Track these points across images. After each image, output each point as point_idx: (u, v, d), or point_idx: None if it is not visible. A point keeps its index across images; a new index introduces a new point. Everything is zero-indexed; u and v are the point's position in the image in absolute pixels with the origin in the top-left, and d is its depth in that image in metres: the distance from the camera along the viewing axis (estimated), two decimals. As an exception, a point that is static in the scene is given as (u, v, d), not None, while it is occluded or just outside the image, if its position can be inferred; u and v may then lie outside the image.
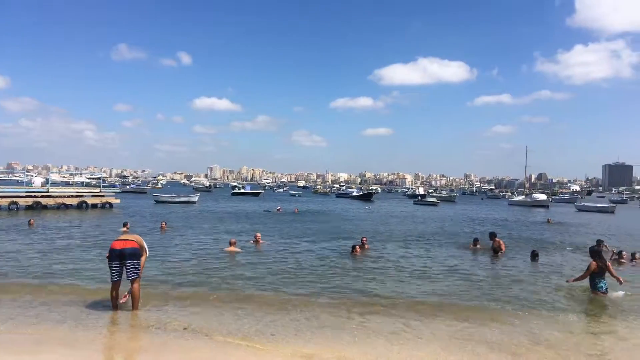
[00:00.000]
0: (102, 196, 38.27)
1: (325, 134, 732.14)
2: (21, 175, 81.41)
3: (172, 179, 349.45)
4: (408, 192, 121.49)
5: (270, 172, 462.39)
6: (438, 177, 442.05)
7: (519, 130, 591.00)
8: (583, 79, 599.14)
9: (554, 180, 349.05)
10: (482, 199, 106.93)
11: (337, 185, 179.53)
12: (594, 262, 10.37)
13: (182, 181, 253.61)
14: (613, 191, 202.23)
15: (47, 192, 34.95)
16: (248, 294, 9.67)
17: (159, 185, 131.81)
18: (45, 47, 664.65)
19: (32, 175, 66.78)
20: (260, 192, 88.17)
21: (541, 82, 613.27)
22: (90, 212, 33.24)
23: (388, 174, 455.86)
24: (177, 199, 51.27)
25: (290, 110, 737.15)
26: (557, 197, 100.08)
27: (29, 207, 31.49)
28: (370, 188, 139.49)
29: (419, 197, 79.81)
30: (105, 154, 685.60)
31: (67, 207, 33.93)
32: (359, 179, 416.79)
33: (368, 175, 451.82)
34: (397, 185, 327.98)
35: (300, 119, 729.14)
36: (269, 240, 18.79)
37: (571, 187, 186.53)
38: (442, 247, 18.45)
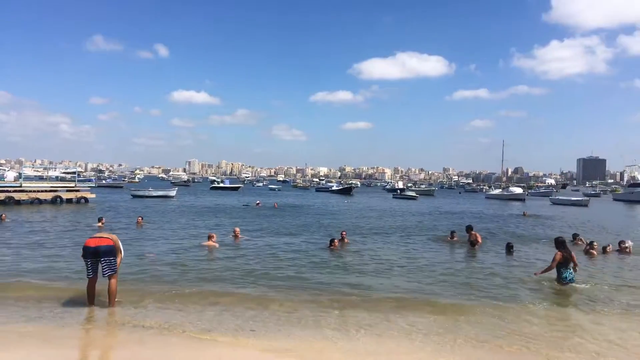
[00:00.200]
0: (77, 191, 37.62)
1: (305, 128, 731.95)
2: (-7, 169, 79.45)
3: (149, 173, 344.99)
4: (387, 186, 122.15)
5: (249, 167, 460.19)
6: (417, 171, 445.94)
7: (496, 125, 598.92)
8: (559, 75, 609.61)
9: (530, 174, 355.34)
10: (460, 193, 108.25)
11: (317, 180, 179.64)
12: (559, 253, 10.58)
13: (159, 175, 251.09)
14: (587, 185, 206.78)
15: (20, 186, 34.18)
16: (227, 290, 9.60)
17: (136, 180, 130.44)
18: (18, 39, 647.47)
19: (4, 170, 65.27)
20: (239, 187, 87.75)
21: (518, 77, 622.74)
22: (65, 207, 32.64)
23: (368, 168, 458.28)
24: (155, 193, 50.70)
25: (270, 104, 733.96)
26: (533, 191, 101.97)
27: (1, 203, 30.75)
28: (350, 182, 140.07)
29: (398, 191, 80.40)
30: (81, 148, 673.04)
31: (41, 202, 33.27)
32: (339, 173, 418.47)
33: (348, 169, 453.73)
34: (376, 179, 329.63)
35: (280, 113, 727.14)
36: (247, 234, 18.71)
37: (546, 181, 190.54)
38: (420, 241, 18.62)
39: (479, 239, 17.45)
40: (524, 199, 67.48)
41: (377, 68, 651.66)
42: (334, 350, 6.29)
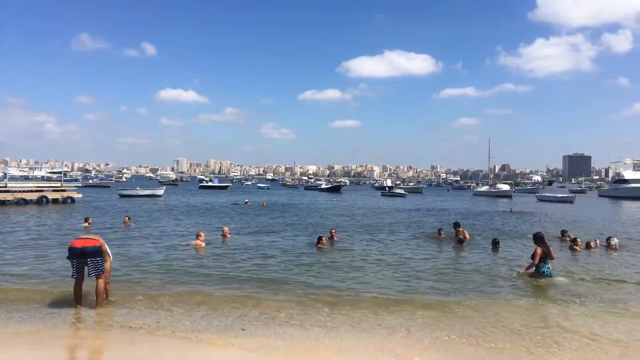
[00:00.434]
0: (64, 190, 37.22)
1: (294, 126, 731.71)
2: (-23, 169, 78.30)
3: (137, 172, 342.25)
4: (376, 184, 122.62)
5: (238, 165, 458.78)
6: (405, 169, 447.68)
7: (483, 123, 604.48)
8: (544, 72, 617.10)
9: (517, 171, 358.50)
10: (447, 190, 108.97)
11: (306, 178, 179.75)
12: (539, 248, 10.79)
13: (147, 175, 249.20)
14: (573, 181, 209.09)
15: (5, 187, 33.71)
16: (215, 289, 9.59)
17: (124, 179, 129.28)
18: (4, 38, 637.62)
19: (-12, 170, 64.27)
20: (228, 185, 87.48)
21: (504, 75, 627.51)
22: (51, 207, 32.29)
23: (356, 166, 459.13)
24: (142, 193, 50.32)
25: (259, 103, 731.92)
26: (519, 188, 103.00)
27: (-15, 203, 30.34)
28: (339, 180, 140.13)
29: (387, 189, 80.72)
30: (67, 147, 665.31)
31: (26, 202, 32.85)
32: (328, 172, 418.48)
33: (336, 167, 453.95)
34: (365, 177, 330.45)
35: (269, 111, 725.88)
36: (236, 233, 18.68)
37: (533, 178, 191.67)
38: (408, 238, 18.74)
39: (467, 236, 17.65)
40: (511, 196, 68.19)
41: (366, 66, 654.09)
42: (322, 348, 6.33)
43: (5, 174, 41.15)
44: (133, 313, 7.67)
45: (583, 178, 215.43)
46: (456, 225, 18.47)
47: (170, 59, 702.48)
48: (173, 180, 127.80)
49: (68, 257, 7.88)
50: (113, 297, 8.35)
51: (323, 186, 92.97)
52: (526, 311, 8.35)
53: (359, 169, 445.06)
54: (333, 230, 17.81)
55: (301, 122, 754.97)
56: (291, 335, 6.85)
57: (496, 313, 8.07)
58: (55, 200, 35.05)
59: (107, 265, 8.06)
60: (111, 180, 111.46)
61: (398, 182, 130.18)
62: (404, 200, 56.57)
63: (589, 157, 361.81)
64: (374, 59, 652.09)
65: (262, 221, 25.14)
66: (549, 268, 10.75)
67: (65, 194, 36.49)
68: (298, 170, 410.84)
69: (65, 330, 7.00)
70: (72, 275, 7.86)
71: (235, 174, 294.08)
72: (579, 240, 16.04)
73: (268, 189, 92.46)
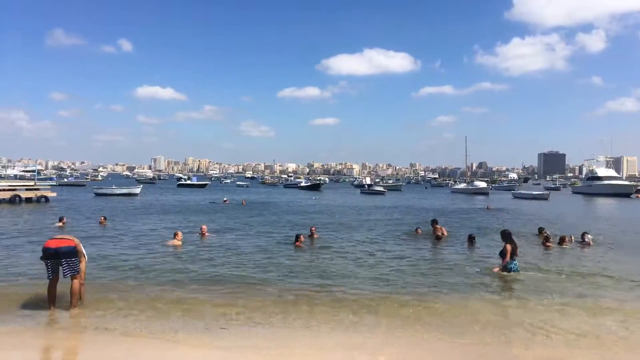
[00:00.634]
0: (37, 189, 36.49)
1: (273, 124, 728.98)
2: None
3: (113, 170, 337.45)
4: (355, 182, 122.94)
5: (217, 163, 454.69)
6: (385, 167, 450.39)
7: (461, 121, 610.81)
8: (520, 71, 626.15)
9: (494, 169, 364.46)
10: (426, 188, 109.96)
11: (285, 176, 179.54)
12: (508, 245, 11.05)
13: (124, 173, 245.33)
14: (547, 179, 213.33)
15: (-24, 186, 32.88)
16: (193, 289, 9.51)
17: (99, 178, 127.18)
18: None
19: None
20: (206, 184, 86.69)
21: (481, 74, 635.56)
22: (24, 206, 31.57)
23: (336, 164, 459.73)
24: (118, 191, 49.49)
25: (238, 100, 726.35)
26: (496, 185, 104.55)
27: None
28: (318, 178, 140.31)
29: (366, 187, 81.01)
30: (41, 145, 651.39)
31: (-2, 201, 32.06)
32: (307, 169, 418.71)
33: (316, 165, 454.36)
34: (345, 175, 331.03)
35: (248, 109, 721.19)
36: (215, 232, 18.54)
37: (509, 175, 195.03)
38: (386, 235, 18.84)
39: (444, 232, 17.86)
40: (488, 193, 69.16)
41: (345, 64, 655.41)
42: (301, 346, 6.34)
43: (-25, 172, 40.10)
44: (108, 314, 7.56)
45: (557, 175, 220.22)
46: (434, 222, 18.68)
47: (147, 55, 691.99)
48: (150, 179, 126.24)
49: (42, 258, 7.72)
50: (87, 298, 8.19)
51: (302, 184, 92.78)
52: (499, 307, 8.51)
53: (339, 167, 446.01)
54: (313, 228, 17.82)
55: (280, 120, 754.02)
56: (270, 334, 6.84)
57: (470, 309, 8.20)
58: (28, 200, 34.29)
59: (82, 265, 7.93)
60: (87, 178, 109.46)
61: (377, 180, 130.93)
62: (383, 197, 56.90)
63: (564, 155, 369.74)
64: (353, 57, 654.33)
65: (241, 220, 25.00)
66: (515, 264, 11.04)
67: (39, 193, 35.73)
68: (277, 168, 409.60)
69: (40, 331, 6.88)
70: (48, 276, 7.71)
71: (214, 172, 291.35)
72: (550, 236, 16.42)
73: (247, 187, 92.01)
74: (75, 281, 7.71)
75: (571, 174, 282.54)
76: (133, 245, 15.11)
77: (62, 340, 6.68)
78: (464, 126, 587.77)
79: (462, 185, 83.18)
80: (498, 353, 6.33)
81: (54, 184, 47.90)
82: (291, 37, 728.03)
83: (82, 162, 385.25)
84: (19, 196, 33.69)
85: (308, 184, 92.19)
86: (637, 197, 66.04)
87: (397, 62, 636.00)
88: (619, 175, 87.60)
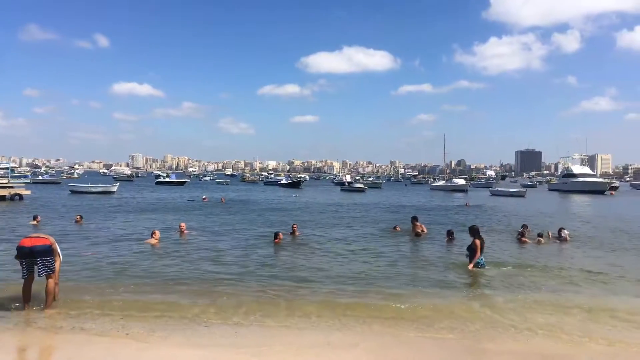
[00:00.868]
0: (11, 187, 35.63)
1: (253, 121, 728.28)
2: None
3: (89, 168, 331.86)
4: (336, 180, 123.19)
5: (196, 161, 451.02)
6: (365, 164, 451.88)
7: (440, 119, 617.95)
8: (497, 70, 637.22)
9: (472, 166, 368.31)
10: (406, 185, 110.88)
11: (266, 173, 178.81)
12: (477, 240, 11.29)
13: (101, 170, 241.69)
14: (524, 176, 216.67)
15: (-54, 184, 31.96)
16: (171, 288, 9.41)
17: (75, 175, 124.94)
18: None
19: None
20: (186, 181, 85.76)
21: (460, 73, 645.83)
22: (-3, 205, 30.80)
23: (316, 162, 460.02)
24: (94, 189, 48.56)
25: (217, 97, 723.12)
26: (474, 182, 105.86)
27: None
28: (299, 176, 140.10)
29: (347, 184, 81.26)
30: (14, 142, 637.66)
31: (-31, 200, 31.23)
32: (288, 167, 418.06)
33: (296, 162, 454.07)
34: (325, 172, 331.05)
35: (227, 106, 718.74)
36: (194, 230, 18.35)
37: (487, 173, 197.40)
38: (365, 233, 18.94)
39: (424, 230, 18.02)
40: (467, 190, 70.01)
41: (325, 62, 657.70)
42: (280, 344, 6.33)
43: (-54, 170, 39.01)
44: (84, 314, 7.43)
45: (534, 173, 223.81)
46: (414, 219, 18.81)
47: (124, 51, 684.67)
48: (128, 176, 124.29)
49: (17, 257, 7.57)
50: (62, 298, 8.03)
51: (283, 182, 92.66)
52: (473, 302, 8.64)
53: (319, 164, 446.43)
54: (295, 225, 17.79)
55: (260, 117, 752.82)
56: (249, 333, 6.82)
57: (446, 305, 8.29)
58: (2, 198, 33.47)
59: (57, 265, 7.77)
60: (62, 176, 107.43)
61: (357, 178, 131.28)
62: (363, 195, 57.13)
63: (540, 153, 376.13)
64: (333, 55, 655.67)
65: (220, 218, 24.82)
66: (482, 259, 11.28)
67: (12, 191, 34.90)
68: (258, 165, 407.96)
69: (16, 331, 6.74)
70: (23, 276, 7.54)
71: (194, 169, 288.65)
72: (525, 232, 16.73)
73: (227, 184, 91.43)
74: (51, 280, 7.57)
75: (547, 172, 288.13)
76: (109, 245, 14.86)
77: (38, 341, 6.56)
78: (443, 124, 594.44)
79: (441, 183, 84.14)
80: (471, 347, 6.42)
81: (28, 181, 46.81)
82: (271, 35, 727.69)
83: (58, 160, 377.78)
84: (-9, 194, 32.88)
85: (288, 181, 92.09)
86: (611, 193, 67.70)
87: (377, 60, 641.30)
88: (593, 173, 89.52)
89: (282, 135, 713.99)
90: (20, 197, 34.74)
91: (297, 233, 17.17)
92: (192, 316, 7.43)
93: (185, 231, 17.37)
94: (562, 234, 16.63)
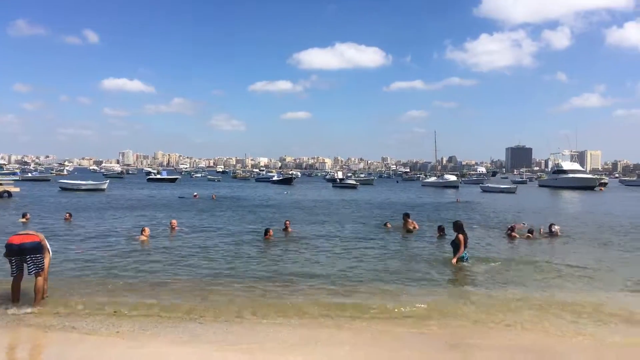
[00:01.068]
0: (0, 184, 35.19)
1: (245, 117, 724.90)
2: None
3: (79, 164, 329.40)
4: (327, 176, 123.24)
5: (187, 157, 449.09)
6: (357, 161, 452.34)
7: (431, 115, 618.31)
8: (488, 67, 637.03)
9: (463, 163, 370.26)
10: (397, 182, 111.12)
11: (257, 170, 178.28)
12: (460, 236, 11.42)
13: (90, 167, 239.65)
14: (515, 172, 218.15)
15: None
16: (161, 285, 9.39)
17: (65, 172, 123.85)
18: None
19: None
20: (177, 178, 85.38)
21: (451, 69, 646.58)
22: (-15, 202, 30.48)
23: (308, 158, 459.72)
24: (84, 186, 48.16)
25: (208, 94, 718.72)
26: (465, 179, 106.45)
27: None
28: (290, 172, 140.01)
29: (338, 181, 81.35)
30: (3, 139, 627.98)
31: (-43, 197, 30.87)
32: (279, 163, 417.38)
33: (288, 159, 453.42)
34: (317, 169, 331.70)
35: (219, 102, 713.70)
36: (184, 227, 18.27)
37: (478, 169, 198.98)
38: (357, 230, 18.98)
39: (416, 226, 18.08)
40: (458, 186, 70.40)
41: (316, 58, 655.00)
42: (271, 341, 6.35)
43: None
44: (74, 312, 7.40)
45: (524, 169, 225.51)
46: (406, 215, 18.86)
47: (114, 47, 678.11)
48: (119, 173, 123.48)
49: (5, 255, 7.52)
50: (52, 296, 7.98)
51: (275, 178, 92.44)
52: (458, 297, 8.79)
53: (311, 161, 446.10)
54: (287, 222, 17.77)
55: (252, 114, 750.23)
56: (240, 330, 6.84)
57: (432, 300, 8.36)
58: (-10, 195, 33.10)
59: (46, 261, 7.73)
60: (52, 173, 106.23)
61: (349, 174, 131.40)
62: (355, 191, 57.24)
63: (530, 149, 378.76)
64: (324, 51, 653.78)
65: (211, 215, 24.73)
66: (466, 254, 11.42)
67: (1, 188, 34.51)
68: (249, 162, 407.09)
69: (4, 329, 6.70)
70: (12, 274, 7.49)
71: (185, 166, 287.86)
72: (515, 228, 16.89)
73: (219, 181, 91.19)
74: (40, 278, 7.54)
75: (537, 168, 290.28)
76: (99, 242, 14.76)
77: (28, 339, 6.54)
78: (435, 120, 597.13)
79: (433, 179, 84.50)
80: (458, 342, 6.49)
81: (17, 178, 46.31)
82: (262, 31, 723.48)
83: (47, 157, 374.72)
84: (-21, 192, 32.51)
85: (280, 178, 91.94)
86: (601, 189, 68.33)
87: (369, 56, 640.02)
88: (583, 169, 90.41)
89: (273, 132, 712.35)
90: (9, 194, 34.36)
91: (289, 229, 17.16)
92: (182, 314, 7.42)
93: (176, 228, 17.30)
94: (553, 230, 16.78)
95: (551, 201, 45.19)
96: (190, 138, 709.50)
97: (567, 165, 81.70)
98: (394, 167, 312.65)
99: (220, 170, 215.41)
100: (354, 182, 73.29)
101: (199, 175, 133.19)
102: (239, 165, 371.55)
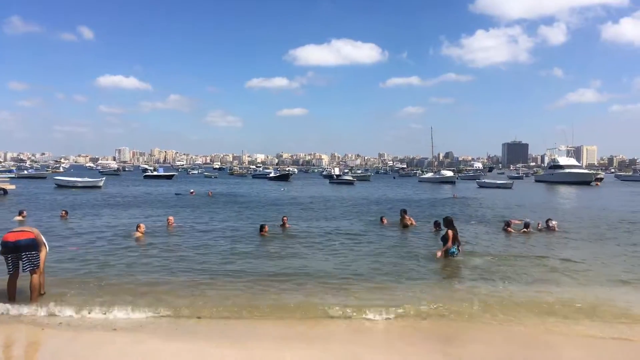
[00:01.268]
0: (-5, 182, 35.08)
1: (241, 114, 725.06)
2: None
3: (76, 162, 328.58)
4: (324, 173, 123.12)
5: (184, 154, 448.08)
6: (353, 157, 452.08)
7: (428, 111, 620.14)
8: (484, 63, 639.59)
9: (460, 159, 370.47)
10: (394, 178, 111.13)
11: (254, 167, 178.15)
12: (450, 231, 11.57)
13: (87, 164, 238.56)
14: (511, 168, 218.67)
15: None
16: (156, 281, 9.38)
17: (61, 169, 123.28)
18: None
19: None
20: (173, 175, 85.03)
21: (447, 65, 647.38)
22: (-20, 200, 30.34)
23: (305, 155, 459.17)
24: (81, 183, 47.96)
25: (204, 90, 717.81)
26: (462, 174, 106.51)
27: None
28: (287, 169, 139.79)
29: (335, 177, 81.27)
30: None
31: (-48, 195, 30.72)
32: (276, 160, 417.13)
33: (285, 155, 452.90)
34: (314, 165, 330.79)
35: (215, 99, 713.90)
36: (181, 224, 18.23)
37: (475, 165, 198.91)
38: (353, 225, 18.99)
39: (413, 222, 18.10)
40: (455, 182, 70.45)
41: (313, 54, 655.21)
42: (267, 336, 6.39)
43: None
44: (70, 309, 7.35)
45: (521, 165, 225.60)
46: (404, 211, 18.87)
47: (109, 43, 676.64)
48: (115, 170, 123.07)
49: (1, 253, 7.49)
50: (49, 293, 7.95)
51: (271, 175, 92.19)
52: (450, 291, 8.90)
53: (308, 157, 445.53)
54: (285, 218, 17.76)
55: (249, 110, 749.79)
56: (238, 325, 6.87)
57: (424, 295, 8.44)
58: (-15, 193, 32.97)
59: (43, 255, 7.72)
60: (47, 170, 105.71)
61: (346, 170, 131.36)
62: (352, 188, 57.21)
63: (526, 145, 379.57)
64: (321, 47, 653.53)
65: (207, 211, 24.68)
66: (455, 249, 11.56)
67: (-4, 186, 34.38)
68: (246, 158, 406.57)
69: (0, 327, 6.68)
70: (8, 272, 7.48)
71: (181, 163, 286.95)
72: (511, 223, 16.96)
73: (215, 177, 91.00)
74: (35, 276, 7.52)
75: (534, 163, 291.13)
76: (95, 239, 14.71)
77: (25, 337, 6.53)
78: (431, 116, 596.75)
79: (429, 175, 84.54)
80: (450, 336, 6.56)
81: (13, 176, 46.07)
82: (258, 27, 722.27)
83: (43, 154, 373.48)
84: (-25, 189, 32.38)
85: (277, 174, 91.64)
86: (597, 184, 68.54)
87: (365, 52, 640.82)
88: (579, 164, 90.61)
89: (270, 129, 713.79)
90: (5, 191, 34.23)
91: (287, 225, 17.15)
92: (178, 310, 7.41)
93: (173, 225, 17.26)
94: (550, 225, 16.81)
95: (547, 196, 45.28)
96: (186, 135, 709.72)
97: (563, 160, 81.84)
98: (390, 163, 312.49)
99: (217, 167, 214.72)
100: (351, 179, 73.24)
101: (195, 172, 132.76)
102: (235, 161, 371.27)
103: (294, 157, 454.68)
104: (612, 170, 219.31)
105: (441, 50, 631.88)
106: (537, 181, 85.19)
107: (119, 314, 7.14)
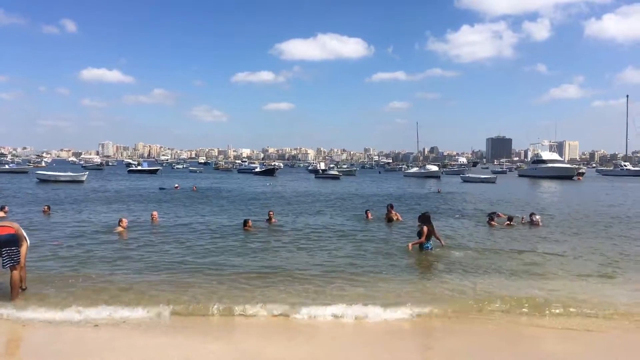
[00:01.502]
0: (-26, 177, 34.45)
1: (226, 108, 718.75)
2: None
3: (58, 156, 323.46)
4: (310, 167, 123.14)
5: (168, 149, 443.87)
6: (339, 152, 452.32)
7: (413, 106, 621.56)
8: (470, 58, 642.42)
9: (445, 153, 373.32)
10: (380, 172, 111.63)
11: (240, 161, 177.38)
12: (425, 227, 11.86)
13: (70, 159, 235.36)
14: (495, 162, 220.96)
15: None
16: (139, 276, 9.33)
17: (43, 164, 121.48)
18: None
19: None
20: (158, 169, 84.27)
21: (433, 60, 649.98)
22: (-41, 195, 29.78)
23: (291, 149, 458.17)
24: (63, 178, 47.33)
25: (189, 84, 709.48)
26: (447, 169, 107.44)
27: None
28: (273, 163, 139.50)
29: (321, 172, 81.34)
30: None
31: None
32: (262, 155, 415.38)
33: (271, 150, 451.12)
34: (299, 160, 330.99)
35: (200, 93, 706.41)
36: (164, 219, 18.11)
37: (459, 160, 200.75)
38: (338, 220, 19.07)
39: (399, 218, 18.20)
40: (439, 177, 71.04)
41: (299, 49, 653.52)
42: (252, 331, 6.39)
43: None
44: (52, 305, 7.29)
45: (504, 159, 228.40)
46: (390, 207, 18.98)
47: (93, 36, 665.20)
48: (98, 165, 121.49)
49: None
50: (30, 290, 7.86)
51: (257, 169, 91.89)
52: (430, 284, 9.01)
53: (294, 152, 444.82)
54: (271, 212, 17.74)
55: (234, 105, 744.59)
56: (220, 321, 6.92)
57: (404, 289, 8.59)
58: (-36, 188, 32.37)
59: (23, 250, 7.64)
60: (29, 165, 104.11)
61: (332, 165, 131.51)
62: (337, 182, 57.34)
63: (510, 140, 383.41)
64: (306, 42, 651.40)
65: (191, 206, 24.55)
66: (430, 244, 11.84)
67: (-24, 181, 33.79)
68: (231, 153, 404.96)
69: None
70: None
71: (166, 157, 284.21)
72: (495, 216, 17.18)
73: (201, 172, 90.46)
74: (15, 272, 7.42)
75: (517, 158, 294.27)
76: (77, 234, 14.55)
77: (6, 333, 6.44)
78: (417, 112, 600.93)
79: (415, 170, 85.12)
80: (428, 328, 6.66)
81: (-7, 171, 45.11)
82: (244, 21, 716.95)
83: (25, 148, 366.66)
84: (-47, 184, 31.77)
85: (262, 169, 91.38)
86: (579, 179, 69.69)
87: (351, 47, 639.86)
88: (561, 159, 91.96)
89: (256, 123, 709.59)
90: (-15, 186, 33.67)
91: (273, 220, 17.14)
92: (162, 305, 7.35)
93: (157, 220, 17.15)
94: (534, 219, 17.01)
95: (530, 191, 45.90)
96: (171, 129, 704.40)
97: (546, 155, 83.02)
98: (376, 158, 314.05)
99: (202, 161, 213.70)
100: (336, 173, 73.42)
101: (180, 166, 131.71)
102: (221, 156, 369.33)
103: (280, 151, 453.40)
104: (594, 165, 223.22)
105: (427, 45, 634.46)
106: (520, 176, 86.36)
107: (101, 310, 7.08)
